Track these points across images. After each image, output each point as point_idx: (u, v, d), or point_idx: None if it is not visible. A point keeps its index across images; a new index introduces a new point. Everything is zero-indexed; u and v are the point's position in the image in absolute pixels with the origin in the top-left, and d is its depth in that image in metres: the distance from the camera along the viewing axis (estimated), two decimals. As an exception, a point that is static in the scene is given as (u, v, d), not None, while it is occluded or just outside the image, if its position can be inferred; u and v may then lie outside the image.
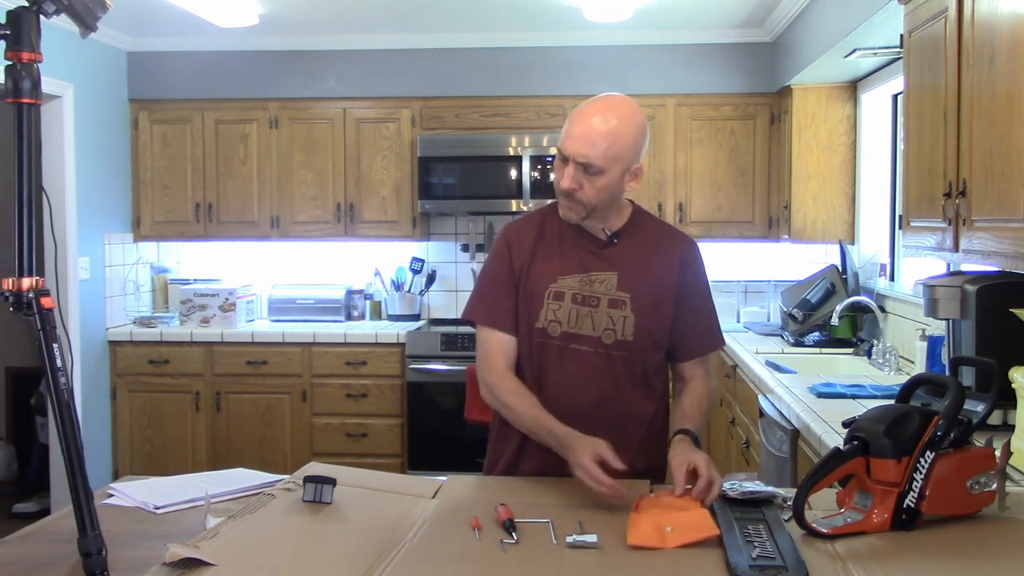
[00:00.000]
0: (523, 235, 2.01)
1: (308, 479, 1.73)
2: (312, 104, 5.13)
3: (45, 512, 4.47)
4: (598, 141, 1.85)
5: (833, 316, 4.04)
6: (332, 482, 1.72)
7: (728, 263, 5.22)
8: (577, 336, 1.93)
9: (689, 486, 1.69)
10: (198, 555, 1.40)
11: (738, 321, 5.13)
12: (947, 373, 2.76)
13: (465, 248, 5.37)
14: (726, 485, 1.72)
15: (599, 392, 1.94)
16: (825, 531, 1.53)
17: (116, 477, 3.82)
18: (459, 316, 5.28)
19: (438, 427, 4.71)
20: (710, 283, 2.08)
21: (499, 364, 1.96)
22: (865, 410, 1.68)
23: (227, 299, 5.04)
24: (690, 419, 1.94)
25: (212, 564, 1.40)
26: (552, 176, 1.97)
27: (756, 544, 1.46)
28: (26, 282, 1.37)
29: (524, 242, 2.00)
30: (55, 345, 1.36)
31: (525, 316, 1.96)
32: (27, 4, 1.40)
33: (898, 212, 4.07)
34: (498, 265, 2.01)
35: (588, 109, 1.89)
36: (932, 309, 2.67)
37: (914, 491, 1.55)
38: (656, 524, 1.49)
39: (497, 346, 1.97)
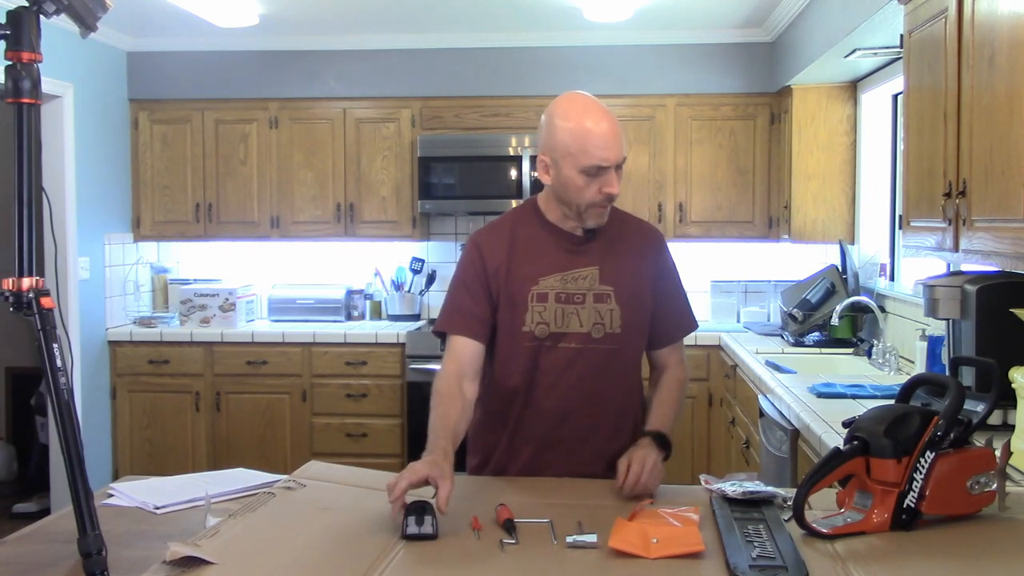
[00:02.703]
0: (495, 241, 2.02)
1: (409, 510, 1.57)
2: (312, 104, 5.13)
3: (45, 512, 4.47)
4: (619, 135, 1.89)
5: (833, 316, 4.04)
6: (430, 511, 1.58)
7: (728, 263, 5.22)
8: (565, 334, 1.94)
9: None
10: (198, 553, 1.41)
11: (738, 321, 5.13)
12: (947, 373, 2.76)
13: (465, 248, 5.36)
14: (726, 485, 1.72)
15: (588, 387, 1.95)
16: (825, 531, 1.53)
17: (116, 477, 3.82)
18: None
19: (438, 427, 4.70)
20: (678, 269, 2.12)
21: (449, 368, 1.95)
22: (865, 410, 1.68)
23: (227, 299, 5.04)
24: (662, 420, 1.98)
25: (212, 563, 1.40)
26: (572, 193, 1.95)
27: (756, 544, 1.46)
28: (26, 282, 1.37)
29: (497, 248, 2.00)
30: (55, 345, 1.36)
31: (509, 322, 1.96)
32: (27, 4, 1.40)
33: (898, 212, 4.07)
34: (468, 273, 2.01)
35: (589, 116, 1.89)
36: (932, 309, 2.67)
37: (914, 491, 1.55)
38: (642, 532, 1.49)
39: (459, 350, 1.97)
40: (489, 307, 1.99)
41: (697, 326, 2.15)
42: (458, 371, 1.94)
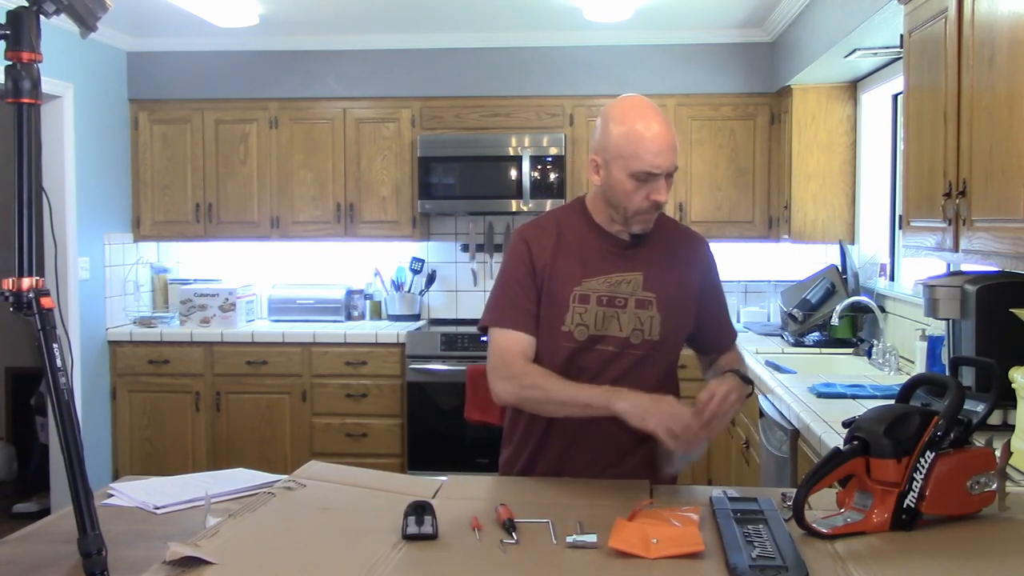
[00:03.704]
0: (542, 238, 1.99)
1: (409, 510, 1.59)
2: (312, 104, 5.13)
3: (45, 512, 4.47)
4: (673, 143, 1.88)
5: (833, 316, 4.04)
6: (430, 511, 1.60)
7: (728, 263, 5.21)
8: (603, 337, 1.94)
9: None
10: (199, 554, 1.41)
11: (738, 321, 5.13)
12: (947, 373, 2.76)
13: (465, 248, 5.37)
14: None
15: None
16: (825, 531, 1.53)
17: (116, 477, 3.82)
18: (460, 316, 5.31)
19: (438, 427, 4.70)
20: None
21: (521, 359, 1.93)
22: (865, 410, 1.68)
23: (227, 299, 5.04)
24: (736, 364, 2.04)
25: (212, 563, 1.40)
26: (620, 196, 1.94)
27: (756, 544, 1.46)
28: (26, 282, 1.37)
29: (545, 244, 1.98)
30: (55, 345, 1.36)
31: (549, 320, 1.95)
32: (27, 4, 1.40)
33: (898, 212, 4.07)
34: (518, 268, 1.98)
35: (643, 120, 1.87)
36: (932, 309, 2.67)
37: (914, 491, 1.55)
38: (642, 533, 1.48)
39: (516, 344, 1.93)
40: (538, 303, 1.97)
41: (736, 335, 2.21)
42: (526, 358, 1.93)
